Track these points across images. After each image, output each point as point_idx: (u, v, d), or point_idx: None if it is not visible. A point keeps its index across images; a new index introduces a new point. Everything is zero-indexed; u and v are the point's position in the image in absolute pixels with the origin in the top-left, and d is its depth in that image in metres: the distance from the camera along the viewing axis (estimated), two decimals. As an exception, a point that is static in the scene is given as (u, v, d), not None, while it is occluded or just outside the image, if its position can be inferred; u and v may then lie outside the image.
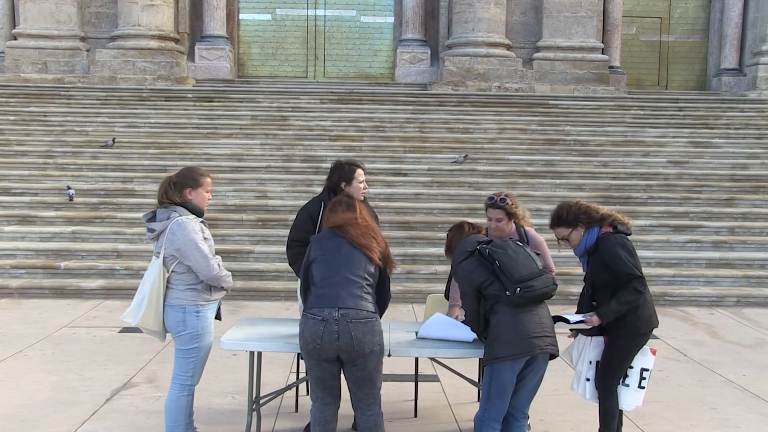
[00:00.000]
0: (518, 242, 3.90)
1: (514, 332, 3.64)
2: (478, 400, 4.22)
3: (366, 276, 3.62)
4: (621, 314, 3.87)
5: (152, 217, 3.97)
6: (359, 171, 4.60)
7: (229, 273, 4.02)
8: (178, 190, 3.95)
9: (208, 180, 4.06)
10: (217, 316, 4.12)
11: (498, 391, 3.70)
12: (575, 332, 4.19)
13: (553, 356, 3.76)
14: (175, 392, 3.98)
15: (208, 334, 3.99)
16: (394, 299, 7.90)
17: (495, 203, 4.30)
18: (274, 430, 4.57)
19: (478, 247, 3.81)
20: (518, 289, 3.62)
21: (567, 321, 3.99)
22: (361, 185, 4.55)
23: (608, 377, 4.02)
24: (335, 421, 3.78)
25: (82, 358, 5.98)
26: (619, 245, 3.89)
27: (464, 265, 3.82)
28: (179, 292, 3.92)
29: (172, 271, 3.91)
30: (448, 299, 4.66)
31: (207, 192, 4.05)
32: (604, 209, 4.06)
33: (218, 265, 3.90)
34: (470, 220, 4.36)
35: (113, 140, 11.92)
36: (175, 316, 3.92)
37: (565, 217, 4.03)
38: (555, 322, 3.95)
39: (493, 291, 3.70)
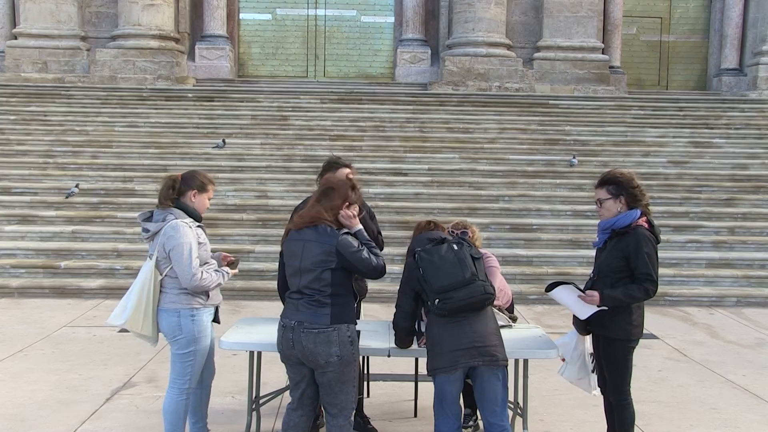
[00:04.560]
0: (456, 244, 3.69)
1: (440, 344, 3.60)
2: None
3: (320, 288, 3.53)
4: (621, 305, 3.77)
5: (149, 217, 3.92)
6: None
7: (217, 275, 3.93)
8: (182, 190, 3.91)
9: (213, 187, 4.07)
10: (215, 320, 4.06)
11: (439, 400, 3.66)
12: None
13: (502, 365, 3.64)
14: (174, 396, 3.93)
15: (205, 337, 3.94)
16: (394, 299, 7.89)
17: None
18: (273, 429, 4.57)
19: (417, 249, 3.71)
20: (437, 300, 3.54)
21: (565, 284, 3.95)
22: None
23: (620, 383, 3.91)
24: (299, 430, 3.71)
25: (82, 358, 5.99)
26: (650, 242, 3.78)
27: (407, 262, 3.77)
28: (173, 296, 3.86)
29: (165, 275, 3.86)
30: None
31: (209, 199, 4.04)
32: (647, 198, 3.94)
33: (201, 273, 3.82)
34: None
35: (224, 141, 11.99)
36: (170, 320, 3.87)
37: (614, 183, 3.88)
38: (554, 287, 3.90)
39: (424, 297, 3.65)
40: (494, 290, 3.70)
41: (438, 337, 3.61)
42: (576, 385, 4.24)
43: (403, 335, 3.85)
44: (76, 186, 10.24)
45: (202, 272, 3.82)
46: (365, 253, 3.58)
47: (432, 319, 3.66)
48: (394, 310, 3.83)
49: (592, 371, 4.10)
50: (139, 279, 3.89)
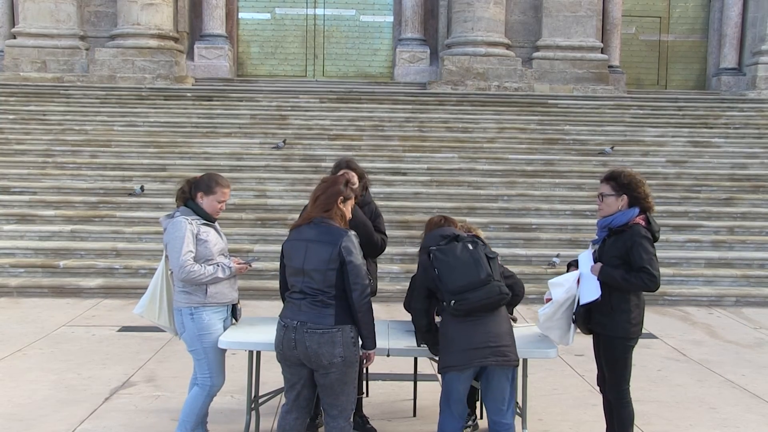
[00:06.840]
0: (471, 243, 3.68)
1: (454, 343, 3.59)
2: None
3: (325, 288, 3.51)
4: (615, 283, 3.75)
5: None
6: None
7: (214, 268, 3.95)
8: (192, 191, 4.06)
9: (224, 191, 4.06)
10: (234, 316, 4.21)
11: (446, 398, 3.67)
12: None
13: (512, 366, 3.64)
14: (197, 390, 4.05)
15: (209, 335, 3.99)
16: (394, 299, 7.94)
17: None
18: (272, 429, 4.57)
19: (431, 247, 3.70)
20: (453, 301, 3.54)
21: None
22: None
23: (620, 382, 3.91)
24: None
25: (81, 357, 5.98)
26: (646, 239, 3.78)
27: (421, 260, 3.76)
28: (176, 294, 4.04)
29: (170, 270, 4.03)
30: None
31: (219, 202, 4.06)
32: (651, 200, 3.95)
33: (191, 265, 3.86)
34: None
35: (284, 141, 12.04)
36: (177, 318, 4.06)
37: (619, 181, 3.87)
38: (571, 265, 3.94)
39: (439, 297, 3.65)
40: (509, 291, 3.69)
41: (452, 336, 3.61)
42: (545, 331, 4.11)
43: (423, 332, 3.84)
44: (141, 188, 10.24)
45: (192, 264, 3.88)
46: (364, 268, 3.55)
47: (446, 318, 3.66)
48: (405, 310, 3.85)
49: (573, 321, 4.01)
50: (156, 272, 4.16)
